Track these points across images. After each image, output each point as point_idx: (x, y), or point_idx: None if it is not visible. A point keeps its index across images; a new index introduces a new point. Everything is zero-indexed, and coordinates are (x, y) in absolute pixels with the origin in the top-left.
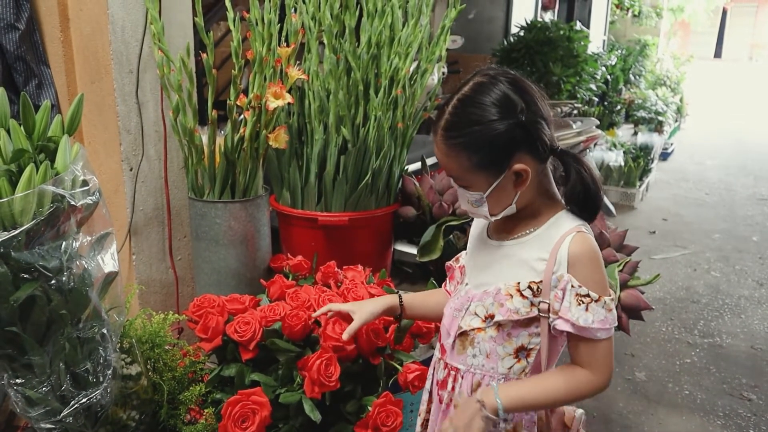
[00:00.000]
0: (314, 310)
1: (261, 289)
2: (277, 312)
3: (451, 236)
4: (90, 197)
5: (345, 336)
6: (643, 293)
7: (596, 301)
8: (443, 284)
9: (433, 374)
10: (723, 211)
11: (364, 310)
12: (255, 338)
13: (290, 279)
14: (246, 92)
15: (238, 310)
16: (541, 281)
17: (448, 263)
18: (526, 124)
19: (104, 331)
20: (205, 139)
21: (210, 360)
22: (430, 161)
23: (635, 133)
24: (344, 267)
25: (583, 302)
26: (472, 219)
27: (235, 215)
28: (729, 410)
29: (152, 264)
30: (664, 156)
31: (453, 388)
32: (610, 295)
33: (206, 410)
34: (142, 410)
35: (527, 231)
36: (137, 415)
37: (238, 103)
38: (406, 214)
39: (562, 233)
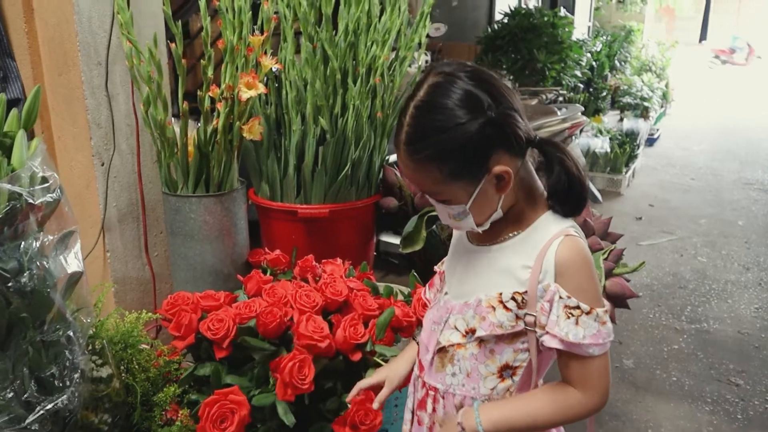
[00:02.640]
0: (291, 306)
1: (239, 284)
2: (252, 308)
3: (435, 227)
4: (50, 195)
5: (375, 405)
6: (628, 281)
7: (587, 313)
8: (423, 290)
9: (413, 392)
10: (709, 196)
11: (396, 375)
12: (229, 336)
13: (268, 274)
14: (219, 83)
15: (212, 307)
16: (525, 291)
17: (435, 268)
18: (498, 119)
19: (70, 333)
20: (178, 131)
21: (188, 359)
22: None
23: (621, 120)
24: (323, 260)
25: (572, 315)
26: None
27: (209, 210)
28: (717, 396)
29: (128, 261)
30: (650, 142)
31: (434, 410)
32: (603, 307)
33: (182, 411)
34: (115, 413)
35: (510, 235)
36: (109, 418)
37: (210, 94)
38: (388, 205)
39: (548, 237)
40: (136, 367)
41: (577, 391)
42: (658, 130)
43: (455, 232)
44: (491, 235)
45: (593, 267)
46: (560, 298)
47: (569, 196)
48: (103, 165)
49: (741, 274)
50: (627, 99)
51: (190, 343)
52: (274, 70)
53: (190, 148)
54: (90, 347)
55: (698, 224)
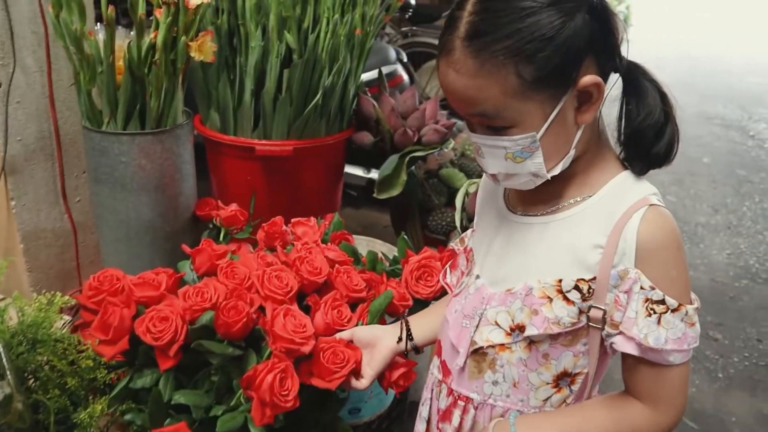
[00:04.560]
0: (257, 291)
1: (185, 243)
2: (206, 297)
3: (413, 167)
4: None
5: (365, 383)
6: None
7: (674, 310)
8: (441, 274)
9: (430, 398)
10: None
11: (381, 353)
12: (177, 340)
13: (222, 235)
14: None
15: (152, 298)
16: (594, 278)
17: (450, 245)
18: (601, 6)
19: None
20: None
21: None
22: (385, 70)
23: None
24: (293, 220)
25: (654, 312)
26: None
27: (146, 152)
28: (697, 352)
29: (40, 210)
30: None
31: (462, 421)
32: (693, 303)
33: None
34: None
35: (572, 200)
36: None
37: None
38: (362, 141)
39: (626, 206)
40: (49, 374)
41: (646, 407)
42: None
43: (481, 196)
44: (544, 200)
45: (683, 250)
46: (641, 288)
47: (656, 144)
48: (0, 86)
49: (710, 216)
50: None
51: (122, 350)
52: None
53: (120, 70)
54: None
55: None
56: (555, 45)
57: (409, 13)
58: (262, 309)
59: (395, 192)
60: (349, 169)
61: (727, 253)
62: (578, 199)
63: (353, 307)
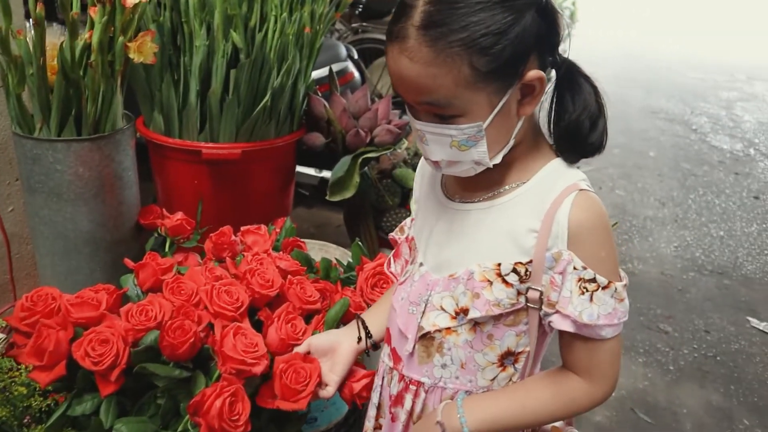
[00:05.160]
0: (204, 307)
1: (128, 254)
2: (150, 316)
3: (366, 168)
4: None
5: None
6: None
7: (605, 288)
8: (386, 264)
9: (381, 385)
10: (620, 125)
11: (342, 357)
12: (119, 364)
13: (168, 245)
14: None
15: (91, 319)
16: (530, 261)
17: (391, 235)
18: (549, 6)
19: None
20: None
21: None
22: (336, 68)
23: None
24: (242, 229)
25: (587, 290)
26: (410, 159)
27: (83, 159)
28: (648, 345)
29: None
30: None
31: (414, 404)
32: (621, 280)
33: None
34: None
35: (507, 186)
36: None
37: None
38: (313, 143)
39: (557, 192)
40: None
41: (582, 380)
42: (565, 51)
43: (418, 185)
44: (479, 187)
45: (611, 231)
46: (574, 269)
47: (591, 135)
48: None
49: (658, 209)
50: None
51: (59, 376)
52: None
53: (54, 70)
54: None
55: (612, 154)
56: (507, 39)
57: (359, 9)
58: (211, 326)
59: (348, 194)
60: (301, 169)
61: (674, 246)
62: (514, 186)
63: (308, 318)
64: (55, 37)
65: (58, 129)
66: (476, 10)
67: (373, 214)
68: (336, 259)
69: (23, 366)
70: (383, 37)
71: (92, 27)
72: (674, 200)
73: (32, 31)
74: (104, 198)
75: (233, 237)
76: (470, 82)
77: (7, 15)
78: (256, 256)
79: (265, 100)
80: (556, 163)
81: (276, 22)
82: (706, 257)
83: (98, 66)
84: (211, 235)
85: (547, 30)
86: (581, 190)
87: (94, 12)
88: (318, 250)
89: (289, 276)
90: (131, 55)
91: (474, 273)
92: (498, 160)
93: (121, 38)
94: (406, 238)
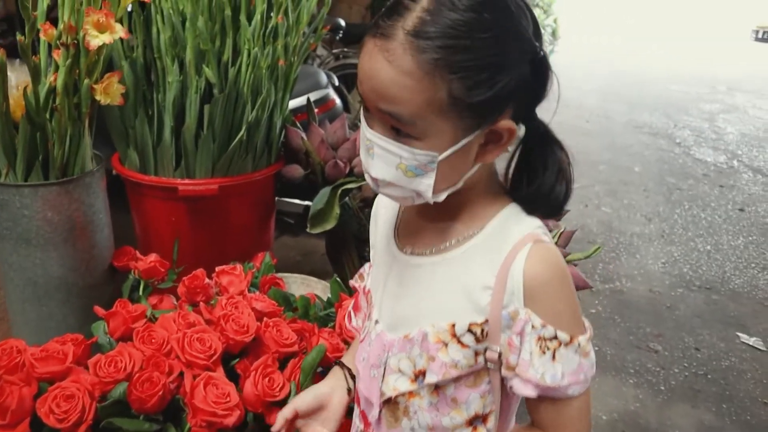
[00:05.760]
0: (176, 356)
1: (102, 298)
2: (119, 366)
3: (347, 198)
4: None
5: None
6: (576, 265)
7: (567, 344)
8: (346, 318)
9: None
10: (605, 140)
11: (333, 414)
12: (85, 420)
13: (141, 288)
14: (55, 21)
15: (56, 373)
16: (486, 321)
17: (351, 282)
18: (544, 60)
19: None
20: None
21: None
22: (315, 96)
23: None
24: (217, 269)
25: (548, 349)
26: (374, 199)
27: (51, 204)
28: (639, 366)
29: None
30: None
31: None
32: (585, 332)
33: None
34: None
35: (459, 237)
36: None
37: (42, 36)
38: (292, 175)
39: (512, 243)
40: None
41: None
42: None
43: (375, 228)
44: (432, 238)
45: (571, 282)
46: (533, 328)
47: (550, 199)
48: None
49: (644, 225)
50: None
51: None
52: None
53: (17, 116)
54: None
55: (598, 171)
56: (495, 80)
57: (340, 35)
58: (181, 374)
59: (329, 226)
60: (285, 197)
61: (662, 262)
62: (466, 236)
63: (284, 363)
64: (25, 74)
65: (24, 174)
66: (474, 39)
67: (355, 244)
68: (317, 295)
69: None
70: None
71: (56, 70)
72: (660, 215)
73: None
74: (75, 242)
75: (207, 280)
76: (442, 108)
77: None
78: (231, 300)
79: (240, 135)
80: (511, 210)
81: (249, 56)
82: (694, 272)
83: (64, 109)
84: (184, 279)
85: (534, 85)
86: (537, 241)
87: (58, 55)
88: (300, 284)
89: (265, 318)
90: (98, 97)
91: (428, 334)
92: (440, 198)
93: (86, 80)
94: (364, 288)
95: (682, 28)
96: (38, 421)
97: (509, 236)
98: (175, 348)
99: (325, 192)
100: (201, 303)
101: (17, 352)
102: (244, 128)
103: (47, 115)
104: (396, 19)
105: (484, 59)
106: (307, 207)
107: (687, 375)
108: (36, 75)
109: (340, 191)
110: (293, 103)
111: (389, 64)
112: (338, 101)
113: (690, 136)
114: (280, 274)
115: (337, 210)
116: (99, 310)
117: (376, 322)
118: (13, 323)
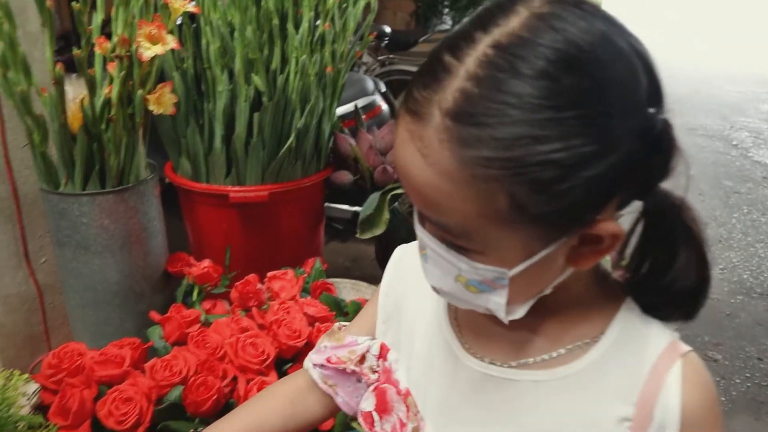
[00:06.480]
0: (229, 361)
1: (158, 303)
2: (175, 370)
3: (396, 204)
4: None
5: None
6: None
7: None
8: (362, 418)
9: None
10: None
11: None
12: (143, 422)
13: (195, 294)
14: (109, 35)
15: (114, 376)
16: None
17: (333, 358)
18: (660, 135)
19: None
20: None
21: None
22: (362, 102)
23: None
24: (269, 275)
25: None
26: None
27: (108, 211)
28: None
29: (4, 275)
30: None
31: None
32: None
33: None
34: None
35: (569, 346)
36: None
37: (97, 50)
38: (341, 181)
39: (651, 360)
40: None
41: None
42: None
43: (410, 305)
44: (526, 342)
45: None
46: None
47: (685, 299)
48: None
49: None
50: None
51: None
52: (189, 8)
53: (74, 127)
54: None
55: None
56: (581, 177)
57: (386, 41)
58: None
59: (378, 231)
60: (333, 203)
61: (720, 268)
62: (580, 344)
63: None
64: (82, 87)
65: (82, 183)
66: (541, 120)
67: None
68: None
69: (51, 424)
70: (411, 68)
71: (111, 82)
72: (717, 220)
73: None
74: (131, 249)
75: (259, 285)
76: (504, 219)
77: (27, 77)
78: (283, 305)
79: (289, 142)
80: (631, 310)
81: (297, 63)
82: (755, 279)
83: (119, 120)
84: (236, 284)
85: (650, 165)
86: (682, 355)
87: (113, 67)
88: (350, 289)
89: (317, 323)
90: (151, 107)
91: None
92: (520, 314)
93: (140, 91)
94: (397, 388)
95: (727, 23)
96: (98, 423)
97: (642, 350)
98: (228, 352)
99: (374, 197)
100: (253, 308)
101: (78, 355)
102: (293, 135)
103: (103, 126)
104: (432, 88)
105: (557, 151)
106: (356, 213)
107: (749, 386)
108: (92, 87)
109: (389, 196)
110: (341, 110)
111: (423, 159)
112: (385, 107)
113: (748, 137)
114: (330, 280)
115: (386, 215)
116: (154, 314)
117: None
118: (73, 328)
